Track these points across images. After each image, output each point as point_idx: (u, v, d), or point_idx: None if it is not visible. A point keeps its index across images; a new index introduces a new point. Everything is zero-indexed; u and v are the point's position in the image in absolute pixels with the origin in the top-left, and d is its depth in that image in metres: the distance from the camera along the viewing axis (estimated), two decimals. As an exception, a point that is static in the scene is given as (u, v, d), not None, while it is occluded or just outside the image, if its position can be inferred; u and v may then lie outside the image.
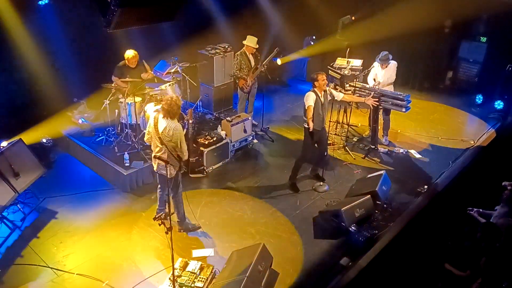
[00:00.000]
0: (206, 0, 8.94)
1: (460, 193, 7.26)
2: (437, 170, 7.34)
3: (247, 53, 7.97)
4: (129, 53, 7.10)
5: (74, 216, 6.06)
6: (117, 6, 4.37)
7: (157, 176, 5.74)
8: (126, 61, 7.13)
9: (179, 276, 4.93)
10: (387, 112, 7.89)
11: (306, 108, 6.27)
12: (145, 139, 5.59)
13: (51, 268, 5.19)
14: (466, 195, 7.21)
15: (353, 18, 10.51)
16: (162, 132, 5.20)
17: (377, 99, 7.20)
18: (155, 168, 5.52)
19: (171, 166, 5.28)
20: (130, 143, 7.14)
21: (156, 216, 5.59)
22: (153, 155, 5.44)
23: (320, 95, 6.30)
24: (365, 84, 7.82)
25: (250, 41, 7.90)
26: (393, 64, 7.78)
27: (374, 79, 7.86)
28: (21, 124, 7.09)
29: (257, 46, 7.95)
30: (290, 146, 8.06)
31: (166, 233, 4.60)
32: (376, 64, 7.86)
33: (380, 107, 7.59)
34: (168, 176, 5.33)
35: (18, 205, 6.04)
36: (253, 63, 8.02)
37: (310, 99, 6.24)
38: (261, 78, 8.25)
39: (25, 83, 7.28)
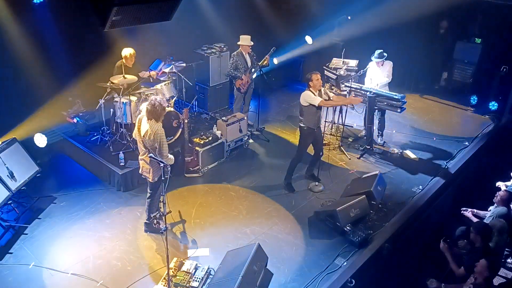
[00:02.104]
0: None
1: (454, 193, 7.32)
2: (432, 171, 7.36)
3: (243, 53, 7.95)
4: (128, 51, 7.01)
5: (68, 216, 6.03)
6: (112, 5, 4.35)
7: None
8: (124, 60, 7.05)
9: (174, 276, 4.93)
10: (382, 112, 7.92)
11: (316, 105, 6.22)
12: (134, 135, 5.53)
13: (45, 268, 5.16)
14: (460, 195, 7.26)
15: (349, 18, 10.52)
16: (143, 135, 5.14)
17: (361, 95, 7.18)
18: (139, 170, 5.48)
19: (154, 171, 5.26)
20: (125, 142, 7.11)
21: (151, 216, 5.62)
22: (139, 157, 5.41)
23: (315, 94, 6.31)
24: (360, 85, 7.83)
25: (244, 40, 7.87)
26: (388, 63, 7.80)
27: (371, 79, 7.88)
28: (14, 123, 7.04)
29: (252, 43, 7.92)
30: (285, 146, 8.06)
31: (161, 233, 4.60)
32: (371, 65, 7.87)
33: (376, 107, 7.62)
34: (150, 180, 5.32)
35: (12, 205, 6.00)
36: (249, 63, 8.00)
37: (312, 96, 6.21)
38: (256, 78, 8.24)
39: (19, 82, 7.23)
